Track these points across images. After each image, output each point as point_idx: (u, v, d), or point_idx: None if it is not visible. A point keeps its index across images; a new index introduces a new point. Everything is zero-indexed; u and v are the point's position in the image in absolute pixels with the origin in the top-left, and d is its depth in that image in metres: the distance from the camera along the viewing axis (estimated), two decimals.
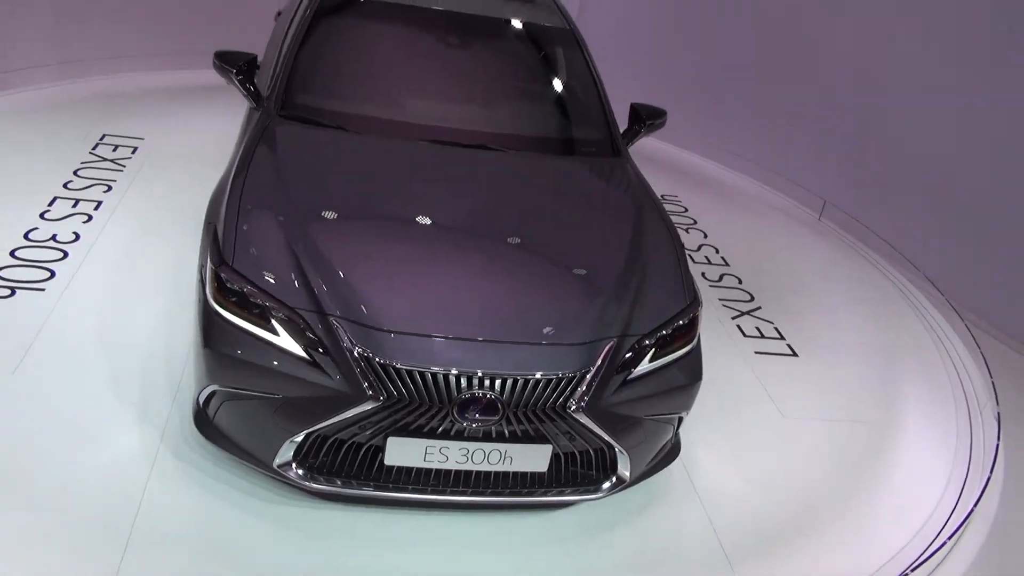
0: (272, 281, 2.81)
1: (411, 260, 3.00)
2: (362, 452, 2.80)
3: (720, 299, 5.13)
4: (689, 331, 3.13)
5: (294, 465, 2.80)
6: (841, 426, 4.03)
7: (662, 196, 6.65)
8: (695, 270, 5.43)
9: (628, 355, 2.93)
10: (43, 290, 4.00)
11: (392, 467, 2.81)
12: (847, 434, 3.98)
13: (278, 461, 2.80)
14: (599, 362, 2.84)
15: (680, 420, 3.20)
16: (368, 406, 2.65)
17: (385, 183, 3.39)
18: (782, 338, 4.79)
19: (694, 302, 3.18)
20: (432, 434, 2.73)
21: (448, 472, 2.85)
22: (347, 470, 2.82)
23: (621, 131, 4.22)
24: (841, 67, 6.55)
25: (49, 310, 3.84)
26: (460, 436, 2.75)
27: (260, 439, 2.82)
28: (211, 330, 2.81)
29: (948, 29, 5.74)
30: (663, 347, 3.03)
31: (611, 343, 2.89)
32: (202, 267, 2.98)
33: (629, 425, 2.94)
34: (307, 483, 2.81)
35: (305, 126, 3.60)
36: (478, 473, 2.88)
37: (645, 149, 7.78)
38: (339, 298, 2.76)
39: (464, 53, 4.18)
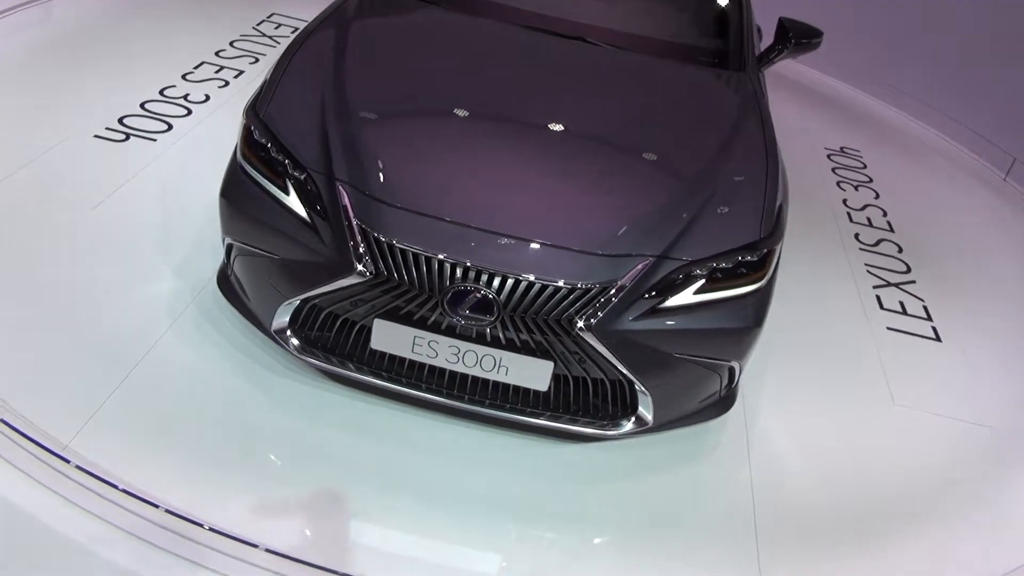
0: (293, 137, 2.66)
1: (447, 140, 2.74)
2: (355, 332, 2.62)
3: (867, 264, 4.43)
4: (757, 270, 2.64)
5: (290, 332, 2.67)
6: (958, 427, 3.33)
7: (840, 149, 5.89)
8: (851, 230, 4.75)
9: (668, 280, 2.51)
10: (154, 140, 4.12)
11: (385, 355, 2.61)
12: (961, 437, 3.29)
13: (275, 326, 2.68)
14: (624, 280, 2.45)
15: (732, 371, 2.74)
16: (353, 280, 2.45)
17: (457, 62, 3.12)
18: (928, 319, 4.06)
19: (770, 238, 2.68)
20: (422, 324, 2.49)
21: (441, 372, 2.61)
22: (340, 349, 2.66)
23: (764, 48, 3.67)
24: None
25: (150, 161, 3.95)
26: (452, 333, 2.49)
27: (261, 301, 2.72)
28: (230, 180, 2.73)
29: None
30: (717, 281, 2.57)
31: (645, 262, 2.49)
32: None
33: (654, 361, 2.53)
34: (303, 355, 2.67)
35: None
36: (474, 380, 2.61)
37: (828, 89, 6.98)
38: (351, 163, 2.56)
39: None
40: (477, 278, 2.40)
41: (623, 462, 2.82)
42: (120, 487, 2.37)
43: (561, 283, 2.39)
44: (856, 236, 4.71)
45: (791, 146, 5.69)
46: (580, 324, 2.41)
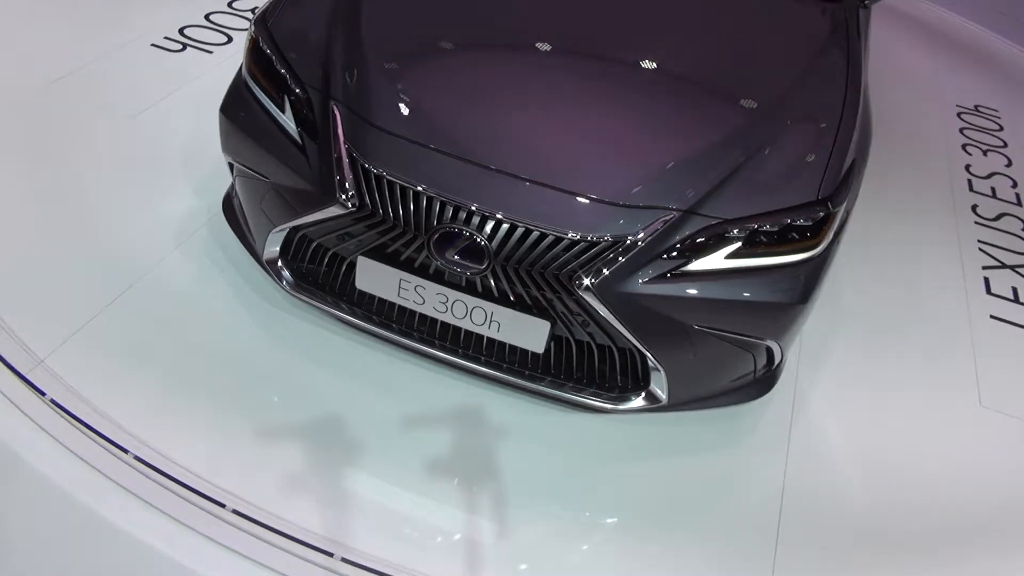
0: (297, 52, 2.41)
1: (462, 67, 2.42)
2: (344, 269, 2.40)
3: (980, 241, 3.85)
4: (810, 237, 2.23)
5: (281, 264, 2.47)
6: None
7: (975, 107, 5.16)
8: (969, 200, 4.14)
9: (694, 239, 2.15)
10: (211, 52, 3.98)
11: (375, 297, 2.38)
12: None
13: (266, 255, 2.48)
14: (639, 234, 2.10)
15: (770, 352, 2.36)
16: (336, 212, 2.20)
17: None
18: None
19: (831, 200, 2.25)
20: (408, 266, 2.23)
21: (431, 320, 2.35)
22: (330, 286, 2.44)
23: None
24: None
25: (199, 74, 3.80)
26: (440, 279, 2.22)
27: (256, 227, 2.52)
28: (232, 95, 2.53)
29: None
30: (758, 245, 2.19)
31: (667, 216, 2.13)
32: None
33: (669, 331, 2.19)
34: (295, 292, 2.46)
35: None
36: (467, 334, 2.34)
37: (973, 39, 6.15)
38: (350, 84, 2.29)
39: None
40: (468, 219, 2.11)
41: (642, 439, 2.51)
42: (84, 421, 2.25)
43: (560, 232, 2.07)
44: (973, 208, 4.10)
45: (915, 100, 5.06)
46: (583, 282, 2.09)
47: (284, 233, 2.39)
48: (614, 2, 2.72)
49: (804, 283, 2.24)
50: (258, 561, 2.06)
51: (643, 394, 2.32)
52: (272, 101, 2.38)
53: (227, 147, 2.52)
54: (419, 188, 2.11)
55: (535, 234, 2.09)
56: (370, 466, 2.29)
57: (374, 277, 2.27)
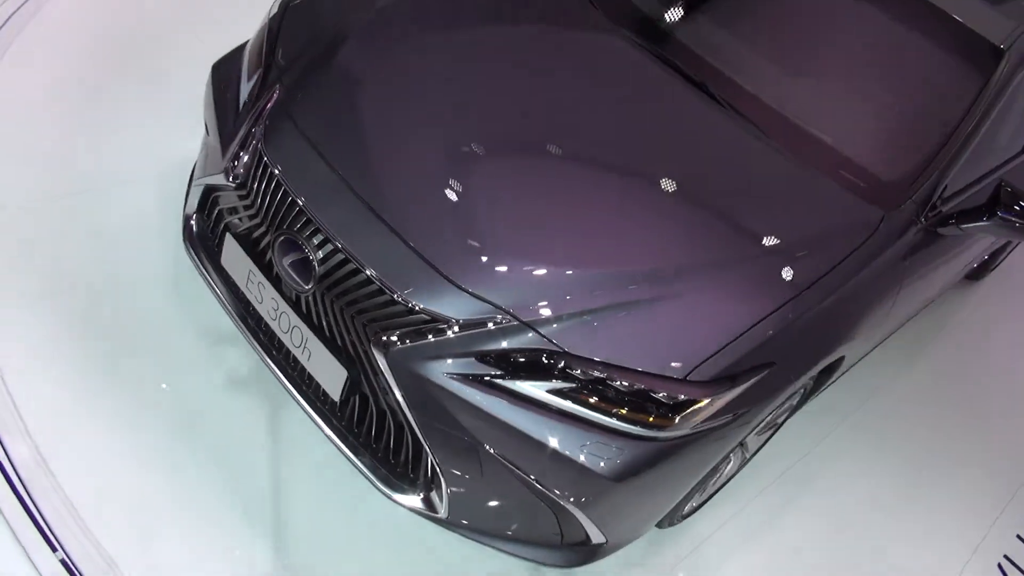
0: (288, 40, 2.44)
1: (399, 119, 2.22)
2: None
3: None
4: (659, 417, 1.92)
5: (194, 220, 2.48)
6: None
7: None
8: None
9: (520, 356, 1.91)
10: None
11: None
12: None
13: (186, 208, 2.50)
14: (459, 322, 1.91)
15: (576, 523, 2.04)
16: (219, 179, 2.20)
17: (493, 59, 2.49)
18: None
19: (693, 385, 1.93)
20: (260, 260, 2.17)
21: (262, 322, 2.26)
22: (212, 256, 2.41)
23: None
24: None
25: None
26: (277, 285, 2.14)
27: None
28: (226, 57, 2.62)
29: None
30: (594, 395, 1.91)
31: (500, 318, 1.92)
32: None
33: (459, 439, 1.95)
34: (186, 245, 2.43)
35: None
36: (286, 350, 2.22)
37: None
38: (305, 80, 2.28)
39: None
40: (312, 235, 2.01)
41: (444, 547, 2.26)
42: None
43: (384, 284, 1.93)
44: None
45: None
46: (382, 342, 1.92)
47: (201, 189, 2.41)
48: (565, 93, 2.45)
49: (628, 461, 1.92)
50: None
51: (422, 495, 2.08)
52: (248, 67, 2.44)
53: (206, 100, 2.59)
54: (288, 189, 2.05)
55: (362, 276, 1.96)
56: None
57: (233, 259, 2.24)
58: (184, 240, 2.45)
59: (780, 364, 2.07)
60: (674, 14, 2.86)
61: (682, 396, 1.92)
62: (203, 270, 2.39)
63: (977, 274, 4.33)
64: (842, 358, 2.43)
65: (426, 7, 2.56)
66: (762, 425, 2.32)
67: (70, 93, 3.16)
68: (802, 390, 2.48)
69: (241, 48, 2.59)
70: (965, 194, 2.67)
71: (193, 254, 2.42)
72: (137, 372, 2.43)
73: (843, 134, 2.60)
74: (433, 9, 2.55)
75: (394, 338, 1.91)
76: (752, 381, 2.01)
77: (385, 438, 2.13)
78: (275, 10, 2.56)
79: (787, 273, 2.14)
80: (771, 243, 2.20)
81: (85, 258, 2.64)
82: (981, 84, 2.68)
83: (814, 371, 2.24)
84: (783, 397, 2.16)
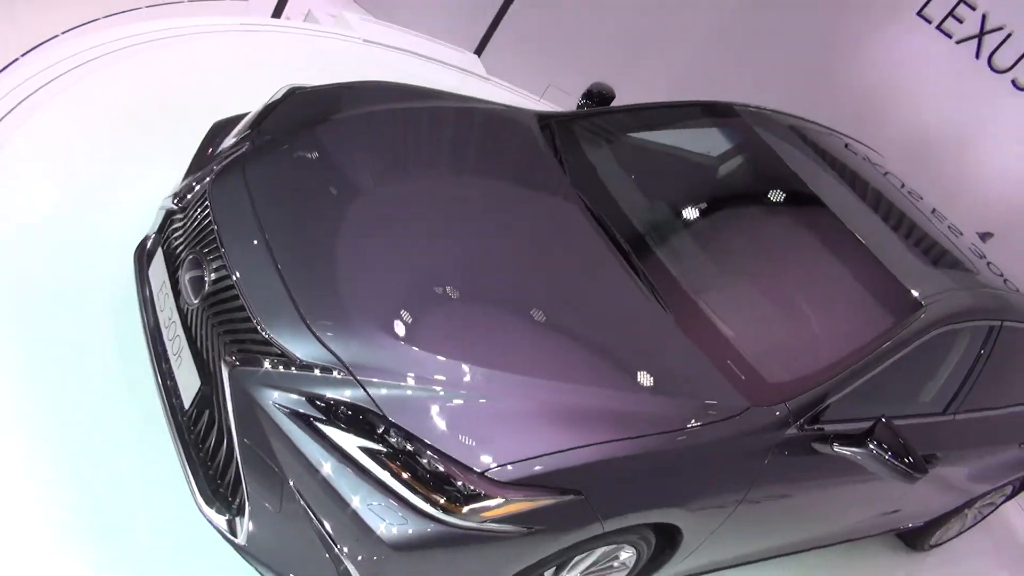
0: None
1: (348, 199, 2.58)
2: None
3: None
4: (450, 502, 2.03)
5: (150, 240, 2.76)
6: None
7: None
8: None
9: (343, 408, 2.09)
10: None
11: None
12: None
13: (151, 227, 2.82)
14: (297, 360, 2.11)
15: (349, 569, 2.11)
16: (169, 201, 2.55)
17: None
18: None
19: (490, 481, 2.05)
20: (173, 272, 2.45)
21: (160, 330, 2.50)
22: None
23: None
24: None
25: None
26: (177, 298, 2.40)
27: None
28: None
29: None
30: (402, 466, 2.05)
31: (336, 368, 2.11)
32: None
33: (270, 468, 2.09)
34: (134, 256, 2.69)
35: None
36: (167, 356, 2.44)
37: None
38: (270, 142, 2.67)
39: None
40: (214, 259, 2.29)
41: None
42: None
43: (251, 311, 2.16)
44: None
45: None
46: (231, 357, 2.13)
47: (163, 214, 2.73)
48: (488, 217, 2.76)
49: (409, 534, 2.02)
50: None
51: (227, 517, 2.20)
52: (237, 130, 2.82)
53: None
54: (214, 221, 2.36)
55: (239, 302, 2.20)
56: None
57: (157, 271, 2.52)
58: (134, 253, 2.76)
59: (588, 497, 2.16)
60: (628, 188, 3.19)
61: (476, 489, 2.03)
62: (136, 279, 2.68)
63: (917, 541, 4.25)
64: (678, 530, 2.48)
65: (403, 127, 2.97)
66: (570, 566, 2.37)
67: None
68: (633, 551, 2.51)
69: (244, 115, 2.99)
70: (854, 423, 2.76)
71: (135, 265, 2.72)
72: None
73: (743, 331, 2.77)
74: (404, 131, 2.96)
75: (240, 359, 2.13)
76: (552, 501, 2.10)
77: (221, 458, 2.29)
78: (282, 93, 2.99)
79: (625, 413, 2.28)
80: (622, 380, 2.36)
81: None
82: (891, 327, 2.84)
83: (626, 522, 2.29)
84: (587, 535, 2.22)
